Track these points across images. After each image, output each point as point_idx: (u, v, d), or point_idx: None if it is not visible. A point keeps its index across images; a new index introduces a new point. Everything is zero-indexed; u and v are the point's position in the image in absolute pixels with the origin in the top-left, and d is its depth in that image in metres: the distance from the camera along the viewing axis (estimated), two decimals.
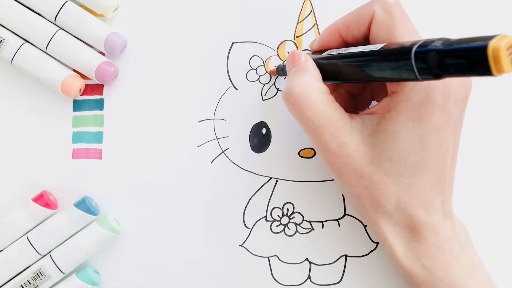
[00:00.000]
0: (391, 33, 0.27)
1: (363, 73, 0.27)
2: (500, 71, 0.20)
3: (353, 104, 0.33)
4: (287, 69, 0.31)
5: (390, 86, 0.28)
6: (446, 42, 0.22)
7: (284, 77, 0.35)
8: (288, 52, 0.35)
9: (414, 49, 0.23)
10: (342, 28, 0.30)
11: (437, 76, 0.22)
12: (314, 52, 0.32)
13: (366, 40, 0.29)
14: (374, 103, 0.33)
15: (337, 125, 0.28)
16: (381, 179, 0.28)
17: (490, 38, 0.20)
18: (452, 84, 0.27)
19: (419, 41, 0.23)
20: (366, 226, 0.35)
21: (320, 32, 0.35)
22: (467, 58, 0.21)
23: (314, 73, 0.29)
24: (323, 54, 0.30)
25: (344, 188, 0.30)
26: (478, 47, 0.20)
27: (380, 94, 0.32)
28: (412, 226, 0.28)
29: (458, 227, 0.30)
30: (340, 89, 0.33)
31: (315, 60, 0.30)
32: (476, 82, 0.29)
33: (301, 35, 0.36)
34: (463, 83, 0.28)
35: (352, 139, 0.28)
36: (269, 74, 0.35)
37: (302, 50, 0.35)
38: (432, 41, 0.22)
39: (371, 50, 0.26)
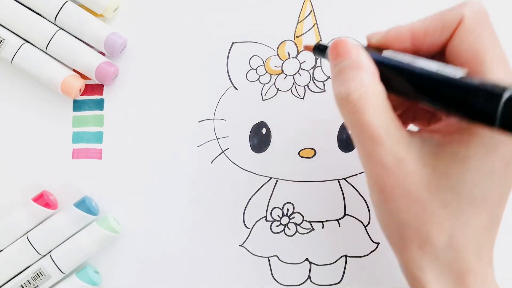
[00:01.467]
0: (479, 43, 0.24)
1: (431, 97, 0.23)
2: None
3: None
4: (332, 62, 0.26)
5: None
6: None
7: (318, 57, 0.32)
8: (288, 53, 0.35)
9: (507, 93, 0.19)
10: (419, 32, 0.25)
11: None
12: (369, 47, 0.27)
13: (441, 51, 0.26)
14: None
15: (396, 137, 0.24)
16: (437, 209, 0.24)
17: None
18: None
19: None
20: (366, 226, 0.35)
21: (320, 32, 0.35)
22: None
23: (372, 71, 0.25)
24: (383, 53, 0.25)
25: (387, 214, 0.25)
26: None
27: (425, 116, 0.29)
28: (459, 272, 0.24)
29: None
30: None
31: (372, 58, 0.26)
32: None
33: (301, 35, 0.35)
34: None
35: (411, 157, 0.24)
36: (303, 49, 0.32)
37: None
38: None
39: (449, 76, 0.22)
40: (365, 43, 0.27)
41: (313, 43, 0.32)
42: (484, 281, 0.24)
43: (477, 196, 0.24)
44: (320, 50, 0.29)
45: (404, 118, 0.29)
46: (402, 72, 0.24)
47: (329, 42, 0.29)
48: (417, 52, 0.26)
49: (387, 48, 0.26)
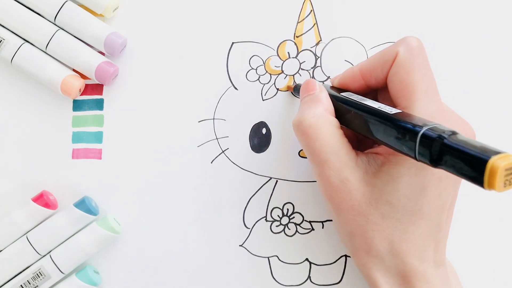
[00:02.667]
0: (410, 75, 0.27)
1: (369, 130, 0.27)
2: (491, 187, 0.20)
3: (357, 142, 0.33)
4: (301, 97, 0.31)
5: None
6: (454, 137, 0.22)
7: (298, 96, 0.35)
8: (288, 53, 0.35)
9: (422, 131, 0.23)
10: (365, 72, 0.30)
11: (433, 163, 0.22)
12: (333, 88, 0.32)
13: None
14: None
15: (342, 160, 0.28)
16: (377, 220, 0.28)
17: (494, 152, 0.20)
18: None
19: (430, 124, 0.23)
20: None
21: (320, 32, 0.35)
22: (466, 162, 0.21)
23: (326, 105, 0.29)
24: (341, 93, 0.30)
25: (339, 224, 0.29)
26: (479, 157, 0.20)
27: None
28: (404, 273, 0.28)
29: (450, 274, 0.30)
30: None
31: (331, 96, 0.30)
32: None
33: (301, 35, 0.35)
34: (472, 137, 0.28)
35: (355, 177, 0.28)
36: (287, 89, 0.35)
37: (320, 81, 0.35)
38: (443, 130, 0.22)
39: (385, 112, 0.26)
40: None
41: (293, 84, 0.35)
42: (429, 281, 0.28)
43: (413, 208, 0.27)
44: (297, 89, 0.34)
45: (353, 143, 0.32)
46: (352, 107, 0.28)
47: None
48: (368, 87, 0.30)
49: (346, 87, 0.31)
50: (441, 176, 0.27)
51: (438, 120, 0.26)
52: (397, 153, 0.27)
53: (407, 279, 0.28)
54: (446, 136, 0.22)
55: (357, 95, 0.30)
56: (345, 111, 0.29)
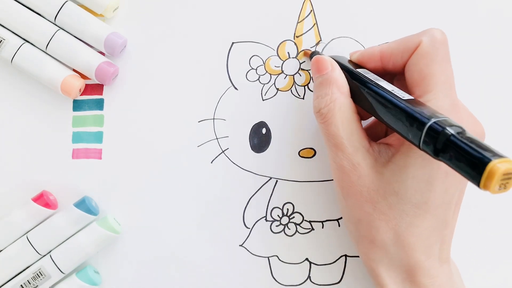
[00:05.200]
0: (429, 66, 0.27)
1: (378, 111, 0.27)
2: (486, 188, 0.20)
3: (369, 128, 0.33)
4: (313, 77, 0.31)
5: None
6: (461, 134, 0.22)
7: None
8: (288, 53, 0.35)
9: (430, 122, 0.23)
10: (385, 55, 0.30)
11: (435, 154, 0.23)
12: (350, 62, 0.32)
13: (402, 71, 0.30)
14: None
15: (355, 146, 0.28)
16: (384, 209, 0.28)
17: (496, 155, 0.21)
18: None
19: (440, 116, 0.24)
20: None
21: (320, 32, 0.35)
22: (467, 160, 0.21)
23: (341, 85, 0.29)
24: (358, 69, 0.30)
25: (347, 209, 0.29)
26: (480, 158, 0.21)
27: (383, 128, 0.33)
28: (408, 267, 0.28)
29: (453, 272, 0.30)
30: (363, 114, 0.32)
31: (345, 71, 0.30)
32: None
33: (301, 35, 0.35)
34: (481, 136, 0.28)
35: (366, 163, 0.28)
36: (303, 54, 0.35)
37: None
38: (451, 125, 0.23)
39: (398, 96, 0.26)
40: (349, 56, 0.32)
41: (312, 49, 0.35)
42: (433, 276, 0.28)
43: (419, 201, 0.27)
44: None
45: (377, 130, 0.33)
46: (365, 86, 0.28)
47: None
48: (385, 70, 0.30)
49: (363, 65, 0.31)
50: (448, 171, 0.27)
51: (450, 114, 0.26)
52: (406, 143, 0.27)
53: (411, 273, 0.28)
54: (452, 131, 0.22)
55: (373, 74, 0.30)
56: (358, 89, 0.29)
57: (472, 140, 0.22)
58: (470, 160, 0.21)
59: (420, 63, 0.28)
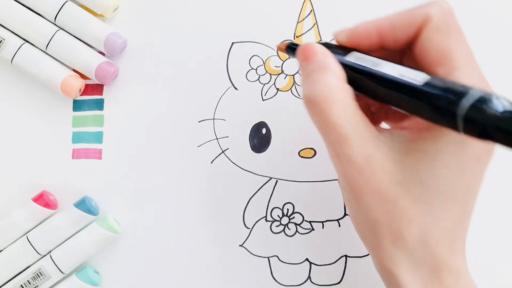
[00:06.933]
0: (447, 41, 0.24)
1: (393, 99, 0.23)
2: None
3: (370, 114, 0.29)
4: (301, 66, 0.26)
5: None
6: (509, 105, 0.19)
7: (290, 57, 0.33)
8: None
9: (467, 105, 0.19)
10: (385, 28, 0.25)
11: (482, 136, 0.19)
12: (338, 47, 0.27)
13: (406, 48, 0.26)
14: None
15: (363, 135, 0.24)
16: (408, 205, 0.24)
17: None
18: None
19: (474, 90, 0.19)
20: None
21: (320, 32, 0.35)
22: None
23: (337, 72, 0.25)
24: (348, 57, 0.26)
25: (361, 212, 0.25)
26: None
27: (397, 113, 0.28)
28: (432, 266, 0.24)
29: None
30: (360, 99, 0.26)
31: (342, 64, 0.26)
32: None
33: (301, 35, 0.35)
34: None
35: (380, 154, 0.24)
36: (277, 49, 0.34)
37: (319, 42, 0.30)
38: (489, 97, 0.19)
39: (411, 83, 0.22)
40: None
41: (286, 42, 0.31)
42: (458, 275, 0.25)
43: (448, 190, 0.24)
44: (292, 50, 0.29)
45: (378, 115, 0.29)
46: (367, 76, 0.24)
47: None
48: (381, 48, 0.26)
49: (355, 45, 0.26)
50: (481, 155, 0.24)
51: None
52: (431, 128, 0.24)
53: (435, 273, 0.24)
54: (500, 105, 0.19)
55: (369, 58, 0.25)
56: (358, 78, 0.25)
57: None
58: None
59: (436, 38, 0.24)
